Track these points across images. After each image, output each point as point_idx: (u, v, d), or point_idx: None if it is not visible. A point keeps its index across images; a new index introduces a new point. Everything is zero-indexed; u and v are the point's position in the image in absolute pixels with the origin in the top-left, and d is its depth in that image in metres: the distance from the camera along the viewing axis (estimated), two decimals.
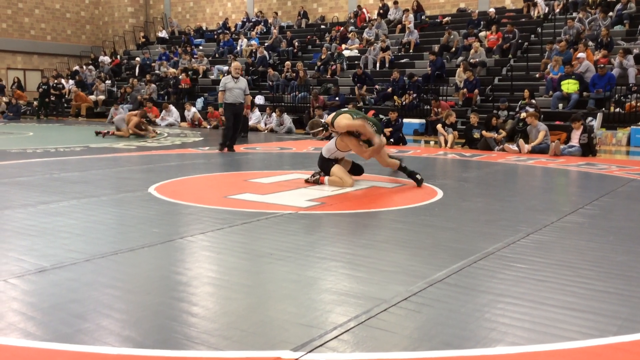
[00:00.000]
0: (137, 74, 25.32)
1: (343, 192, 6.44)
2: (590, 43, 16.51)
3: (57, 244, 4.07)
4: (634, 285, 3.34)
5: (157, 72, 24.70)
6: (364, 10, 23.80)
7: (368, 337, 2.59)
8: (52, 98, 24.52)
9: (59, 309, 2.87)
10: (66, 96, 24.95)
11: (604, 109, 14.09)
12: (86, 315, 2.78)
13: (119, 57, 28.63)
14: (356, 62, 20.48)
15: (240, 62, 22.48)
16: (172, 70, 23.47)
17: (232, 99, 10.91)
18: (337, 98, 17.66)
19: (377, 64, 19.79)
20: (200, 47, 26.60)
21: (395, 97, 17.09)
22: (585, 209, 5.68)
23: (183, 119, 19.45)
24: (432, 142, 13.83)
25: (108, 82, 25.43)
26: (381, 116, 16.11)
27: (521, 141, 11.47)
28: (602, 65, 14.61)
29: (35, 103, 24.57)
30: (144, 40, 29.98)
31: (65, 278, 3.34)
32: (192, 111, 19.07)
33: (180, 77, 22.60)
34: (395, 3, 23.18)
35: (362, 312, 2.85)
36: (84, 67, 27.51)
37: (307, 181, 7.00)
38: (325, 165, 6.95)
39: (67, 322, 2.70)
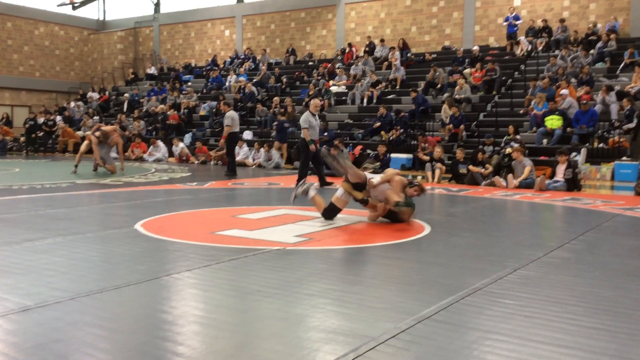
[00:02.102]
0: (125, 109, 25.41)
1: (331, 228, 6.44)
2: (572, 80, 16.86)
3: (41, 282, 4.01)
4: (621, 321, 3.35)
5: (145, 107, 24.80)
6: (354, 48, 24.17)
7: None
8: (40, 134, 24.49)
9: (43, 349, 2.82)
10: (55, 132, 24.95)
11: (587, 144, 14.30)
12: (70, 356, 2.73)
13: (107, 93, 28.74)
14: (344, 97, 20.72)
15: (228, 97, 22.71)
16: (161, 106, 23.56)
17: (315, 136, 11.13)
18: (325, 133, 17.79)
19: (365, 100, 20.01)
20: (189, 84, 26.81)
21: (382, 133, 17.25)
22: (572, 244, 5.72)
23: (171, 154, 19.46)
24: (419, 177, 13.91)
25: (96, 117, 25.45)
26: (369, 151, 16.27)
27: (510, 176, 11.58)
28: (585, 102, 14.89)
29: (22, 139, 24.50)
30: (132, 76, 30.16)
31: (49, 317, 3.28)
32: (180, 146, 19.10)
33: (168, 113, 22.69)
34: (382, 41, 23.60)
35: (350, 350, 2.82)
36: (72, 102, 27.55)
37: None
38: None
39: None
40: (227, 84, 24.87)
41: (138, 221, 6.66)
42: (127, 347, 2.88)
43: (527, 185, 11.30)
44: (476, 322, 3.29)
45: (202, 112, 23.15)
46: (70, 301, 3.58)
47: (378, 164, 7.66)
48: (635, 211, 8.22)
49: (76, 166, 13.95)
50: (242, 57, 27.62)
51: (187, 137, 21.14)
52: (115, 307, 3.53)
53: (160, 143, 19.65)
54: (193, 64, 29.78)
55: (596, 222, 7.21)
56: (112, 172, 13.86)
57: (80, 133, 24.26)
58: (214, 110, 22.33)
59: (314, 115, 11.13)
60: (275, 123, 19.29)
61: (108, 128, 14.60)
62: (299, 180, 10.97)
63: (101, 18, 35.19)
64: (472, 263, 4.86)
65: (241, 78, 24.32)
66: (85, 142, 14.30)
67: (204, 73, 27.20)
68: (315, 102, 11.45)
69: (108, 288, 3.87)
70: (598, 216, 7.76)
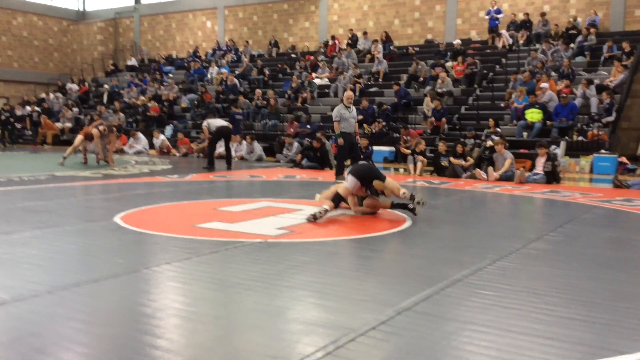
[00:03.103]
0: (105, 101, 25.12)
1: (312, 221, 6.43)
2: (553, 73, 17.01)
3: (18, 276, 3.96)
4: (597, 312, 3.39)
5: (125, 99, 24.54)
6: (336, 40, 24.13)
7: None
8: (19, 126, 24.13)
9: (19, 342, 2.78)
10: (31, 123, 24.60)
11: (567, 137, 14.45)
12: (47, 349, 2.70)
13: (87, 84, 28.38)
14: (326, 90, 20.70)
15: (210, 90, 22.55)
16: (141, 98, 23.32)
17: (349, 128, 10.84)
18: (308, 126, 17.77)
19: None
20: (170, 75, 26.57)
21: (365, 125, 17.26)
22: (550, 235, 5.78)
23: (152, 146, 19.29)
24: (401, 170, 13.96)
25: (75, 109, 25.13)
26: None
27: (490, 168, 11.66)
28: (564, 95, 15.04)
29: None
30: (112, 67, 29.81)
31: (25, 311, 3.24)
32: (160, 139, 18.93)
33: (149, 104, 22.48)
34: (365, 33, 23.58)
35: (330, 342, 2.83)
36: (51, 94, 27.16)
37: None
38: None
39: (27, 356, 2.62)
40: (208, 75, 24.70)
41: (117, 214, 6.59)
42: (105, 340, 2.86)
43: (507, 177, 11.39)
44: (455, 313, 3.32)
45: (184, 105, 22.98)
46: (48, 294, 3.54)
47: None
48: (613, 203, 8.33)
49: (65, 158, 13.87)
50: (224, 48, 27.43)
51: (168, 129, 20.97)
52: (94, 301, 3.50)
53: (140, 135, 19.47)
54: (174, 56, 29.51)
55: (574, 214, 7.30)
56: (110, 163, 14.22)
57: (59, 125, 23.96)
58: (195, 102, 22.17)
59: (347, 107, 10.85)
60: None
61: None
62: (337, 174, 10.77)
63: (81, 9, 34.69)
64: (452, 255, 4.90)
65: (223, 70, 24.16)
66: (79, 137, 14.26)
67: (186, 65, 26.97)
68: (348, 94, 11.17)
69: (86, 281, 3.83)
70: (576, 208, 7.85)
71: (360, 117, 17.41)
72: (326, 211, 6.34)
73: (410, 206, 6.61)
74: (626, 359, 2.72)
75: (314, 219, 6.28)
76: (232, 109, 19.87)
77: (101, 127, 14.30)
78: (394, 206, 6.84)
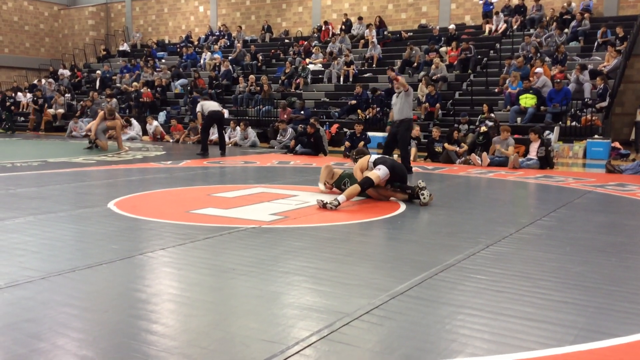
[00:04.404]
0: (97, 87, 24.93)
1: (306, 206, 6.44)
2: (547, 59, 17.00)
3: (12, 262, 3.95)
4: (589, 295, 3.42)
5: (118, 85, 24.37)
6: (330, 25, 23.98)
7: (330, 351, 2.58)
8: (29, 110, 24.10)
9: (13, 328, 2.78)
10: (24, 109, 24.38)
11: (560, 122, 14.48)
12: (41, 335, 2.70)
13: (80, 70, 28.13)
14: (320, 76, 20.62)
15: (203, 75, 22.40)
16: (135, 84, 23.14)
17: (397, 114, 10.06)
18: (302, 112, 17.71)
19: (341, 78, 19.94)
20: (163, 61, 26.38)
21: (359, 111, 17.24)
22: (543, 220, 5.81)
23: (145, 132, 19.20)
24: (395, 156, 13.93)
25: (67, 95, 24.94)
26: (345, 129, 16.28)
27: (484, 154, 11.67)
28: (558, 80, 15.04)
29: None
30: (104, 53, 29.56)
31: (20, 297, 3.24)
32: (154, 125, 18.84)
33: (142, 90, 22.33)
34: (360, 19, 23.45)
35: (324, 326, 2.84)
36: (43, 80, 26.93)
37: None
38: None
39: (22, 342, 2.62)
40: (201, 61, 24.53)
41: (111, 200, 6.58)
42: (100, 325, 2.86)
43: (500, 163, 11.42)
44: (449, 298, 3.34)
45: (176, 90, 22.85)
46: (42, 280, 3.53)
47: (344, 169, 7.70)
48: (606, 188, 8.37)
49: (91, 142, 14.61)
50: (217, 34, 27.22)
51: (162, 115, 20.86)
52: (88, 286, 3.50)
53: (133, 121, 19.37)
54: (167, 41, 29.23)
55: (568, 199, 7.33)
56: (104, 148, 14.34)
57: (51, 111, 23.76)
58: (188, 87, 22.05)
59: (396, 93, 10.20)
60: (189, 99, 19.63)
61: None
62: (406, 164, 10.04)
63: None
64: (446, 240, 4.92)
65: (216, 55, 23.99)
66: (94, 122, 15.07)
67: (178, 50, 26.76)
68: (394, 78, 10.37)
69: (80, 267, 3.82)
70: (570, 193, 7.89)
71: (354, 101, 17.46)
72: (337, 206, 6.28)
73: (422, 198, 6.71)
74: (618, 342, 2.75)
75: (323, 206, 6.27)
76: (194, 93, 19.90)
77: (106, 108, 15.05)
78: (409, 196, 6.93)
